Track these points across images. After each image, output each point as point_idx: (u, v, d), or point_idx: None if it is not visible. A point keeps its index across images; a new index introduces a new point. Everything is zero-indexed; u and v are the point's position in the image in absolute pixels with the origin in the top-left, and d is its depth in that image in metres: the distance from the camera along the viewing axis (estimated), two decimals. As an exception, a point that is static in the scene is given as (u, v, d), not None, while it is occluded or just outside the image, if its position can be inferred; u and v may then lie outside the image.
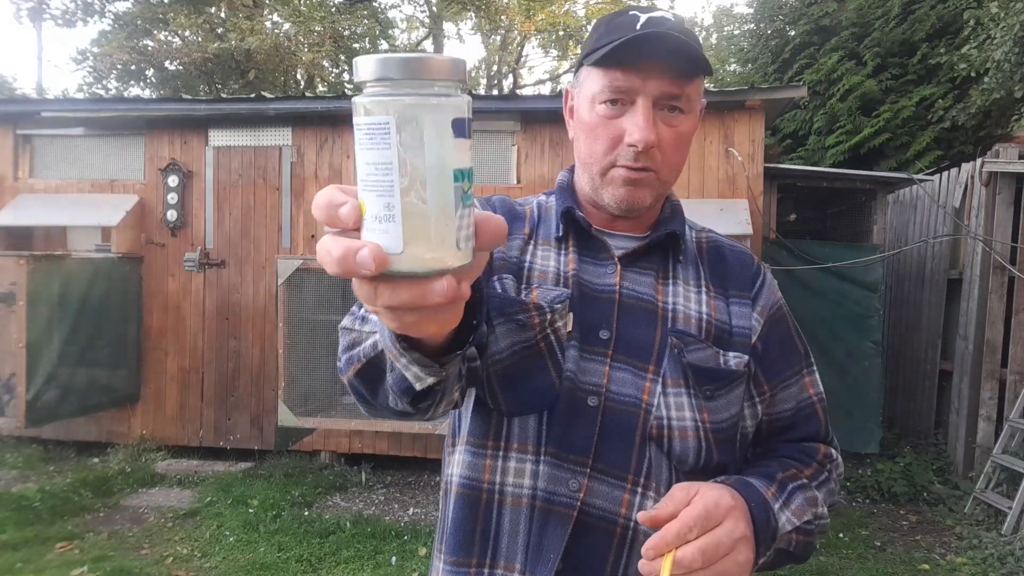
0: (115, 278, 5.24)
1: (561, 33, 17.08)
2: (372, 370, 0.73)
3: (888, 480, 4.93)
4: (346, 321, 0.80)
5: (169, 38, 11.87)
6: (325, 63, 12.11)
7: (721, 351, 0.90)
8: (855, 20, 8.73)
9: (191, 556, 3.76)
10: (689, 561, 0.70)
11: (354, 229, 0.45)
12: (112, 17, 12.25)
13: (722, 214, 4.56)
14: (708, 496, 0.74)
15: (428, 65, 0.39)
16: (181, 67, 11.31)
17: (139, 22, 11.52)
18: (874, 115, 8.05)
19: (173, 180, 5.39)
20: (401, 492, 4.79)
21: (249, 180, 5.39)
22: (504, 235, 0.49)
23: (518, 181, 5.13)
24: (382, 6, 14.85)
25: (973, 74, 6.72)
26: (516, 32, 17.44)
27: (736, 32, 13.64)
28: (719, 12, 16.85)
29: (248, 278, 5.38)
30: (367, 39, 13.56)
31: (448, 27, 17.49)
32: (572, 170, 1.00)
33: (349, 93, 10.30)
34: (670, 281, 0.93)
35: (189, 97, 6.84)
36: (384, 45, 14.67)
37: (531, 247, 0.95)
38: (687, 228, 0.99)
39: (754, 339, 0.93)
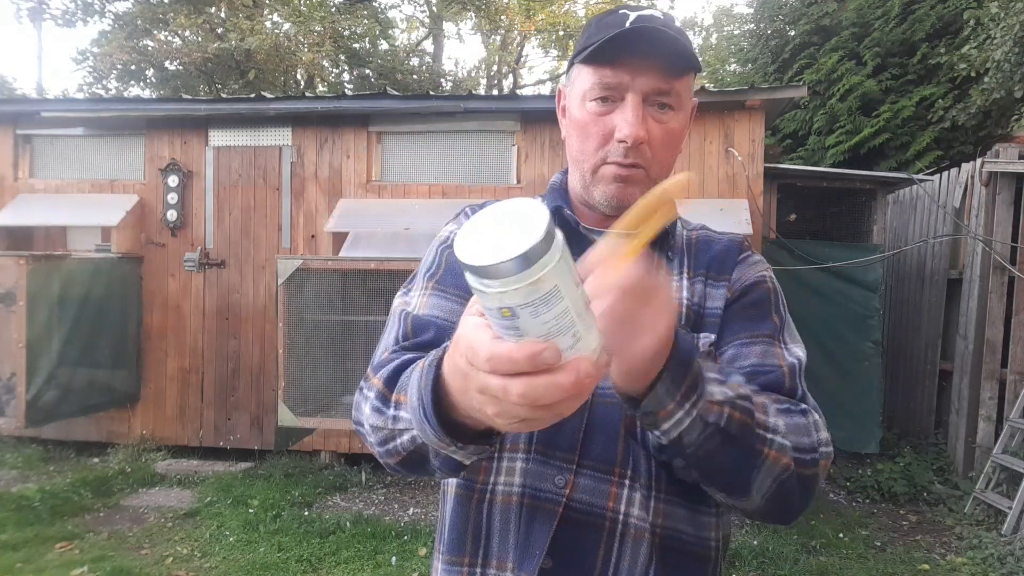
0: (115, 278, 5.24)
1: (561, 33, 17.08)
2: (414, 457, 0.77)
3: (888, 480, 4.93)
4: (375, 420, 0.80)
5: (169, 38, 11.86)
6: (325, 63, 12.10)
7: (697, 335, 0.89)
8: (855, 20, 8.73)
9: (191, 556, 3.76)
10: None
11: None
12: (112, 17, 12.24)
13: (722, 214, 4.57)
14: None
15: (553, 230, 0.50)
16: (181, 67, 11.30)
17: (139, 22, 11.51)
18: (874, 115, 8.05)
19: (173, 180, 5.40)
20: (401, 492, 4.79)
21: (249, 180, 5.39)
22: None
23: (518, 181, 5.13)
24: (382, 6, 14.84)
25: (973, 74, 6.73)
26: (516, 32, 17.44)
27: (736, 32, 13.64)
28: (719, 12, 16.85)
29: (248, 278, 5.38)
30: (367, 39, 13.55)
31: (448, 27, 17.50)
32: (566, 172, 1.01)
33: (349, 93, 10.31)
34: None
35: (189, 97, 6.83)
36: (384, 45, 14.67)
37: None
38: (679, 225, 0.99)
39: (721, 313, 0.91)
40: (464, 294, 0.91)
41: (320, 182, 5.31)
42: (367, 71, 13.10)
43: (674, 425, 0.70)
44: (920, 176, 5.99)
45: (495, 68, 18.98)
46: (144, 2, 11.74)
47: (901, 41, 8.31)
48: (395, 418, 0.77)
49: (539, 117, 5.08)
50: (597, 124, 0.88)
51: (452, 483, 0.91)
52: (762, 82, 9.36)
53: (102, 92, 12.00)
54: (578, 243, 0.94)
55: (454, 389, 0.60)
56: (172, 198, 5.40)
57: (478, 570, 0.88)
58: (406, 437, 0.75)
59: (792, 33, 9.74)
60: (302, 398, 4.61)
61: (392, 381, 0.78)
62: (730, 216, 4.54)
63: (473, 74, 18.89)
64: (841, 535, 4.22)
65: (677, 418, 0.69)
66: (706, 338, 0.89)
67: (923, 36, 8.13)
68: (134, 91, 12.34)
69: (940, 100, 7.77)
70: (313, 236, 5.29)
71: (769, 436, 0.76)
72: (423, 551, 3.83)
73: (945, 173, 5.75)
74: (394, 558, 3.74)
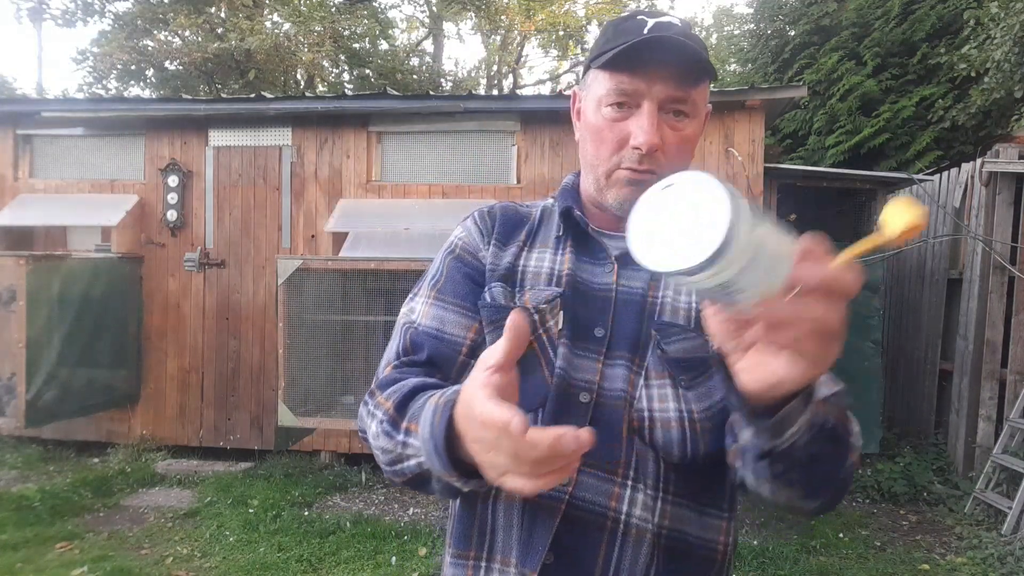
0: (115, 278, 5.24)
1: (561, 33, 17.06)
2: (418, 480, 0.80)
3: (888, 480, 4.93)
4: (385, 443, 0.83)
5: (169, 38, 11.85)
6: (325, 63, 12.10)
7: (708, 338, 0.89)
8: (855, 20, 8.74)
9: (191, 556, 3.76)
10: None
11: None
12: (112, 17, 12.23)
13: (722, 214, 4.56)
14: None
15: (737, 196, 0.50)
16: (181, 67, 11.29)
17: (139, 22, 11.51)
18: (874, 115, 8.06)
19: (173, 180, 5.40)
20: (401, 492, 4.78)
21: (249, 180, 5.39)
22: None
23: (518, 181, 5.13)
24: (382, 6, 14.85)
25: (973, 74, 6.73)
26: (516, 32, 17.43)
27: (736, 32, 13.65)
28: (719, 12, 16.86)
29: (248, 278, 5.38)
30: (367, 39, 13.55)
31: (448, 27, 17.50)
32: (579, 174, 1.02)
33: (349, 93, 10.31)
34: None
35: (189, 97, 6.84)
36: (384, 45, 14.67)
37: (526, 251, 0.97)
38: None
39: None
40: (462, 304, 0.93)
41: (320, 182, 5.31)
42: (367, 71, 13.10)
43: (796, 431, 0.67)
44: (920, 176, 5.99)
45: (495, 68, 18.97)
46: (144, 2, 11.74)
47: (901, 41, 8.31)
48: (404, 443, 0.80)
49: (539, 117, 5.08)
50: (612, 130, 0.89)
51: None
52: (762, 82, 9.36)
53: (102, 92, 12.00)
54: (587, 244, 0.95)
55: (461, 431, 0.66)
56: (172, 198, 5.40)
57: (483, 564, 0.90)
58: (413, 462, 0.78)
59: (792, 33, 9.75)
60: (302, 398, 4.61)
61: (402, 407, 0.82)
62: (730, 216, 4.54)
63: (473, 74, 18.89)
64: (841, 535, 4.22)
65: (800, 423, 0.67)
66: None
67: (923, 36, 8.14)
68: (134, 91, 12.35)
69: (940, 100, 7.77)
70: (313, 236, 5.29)
71: (853, 430, 0.76)
72: (423, 551, 3.83)
73: (945, 173, 5.75)
74: (394, 558, 3.74)
